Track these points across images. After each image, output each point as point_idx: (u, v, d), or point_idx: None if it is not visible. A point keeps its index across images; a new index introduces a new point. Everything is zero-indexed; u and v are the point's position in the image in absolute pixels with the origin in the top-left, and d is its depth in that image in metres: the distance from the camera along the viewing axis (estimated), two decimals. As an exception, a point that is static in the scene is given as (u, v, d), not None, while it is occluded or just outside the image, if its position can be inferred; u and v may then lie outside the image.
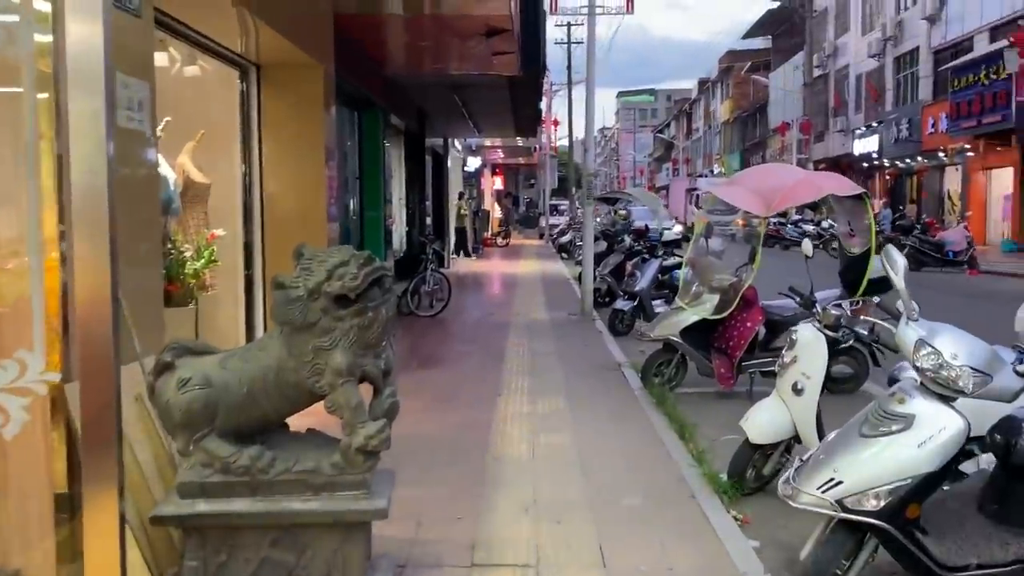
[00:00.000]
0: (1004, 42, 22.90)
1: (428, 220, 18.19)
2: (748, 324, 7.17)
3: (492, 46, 9.89)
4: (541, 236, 37.20)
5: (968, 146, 26.53)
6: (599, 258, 16.69)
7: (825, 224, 30.08)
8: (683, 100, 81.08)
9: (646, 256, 11.32)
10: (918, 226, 21.68)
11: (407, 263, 14.60)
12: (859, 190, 7.07)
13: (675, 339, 7.30)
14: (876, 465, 3.09)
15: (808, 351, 4.66)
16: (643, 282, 10.93)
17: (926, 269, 20.36)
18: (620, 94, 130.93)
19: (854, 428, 3.30)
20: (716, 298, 7.26)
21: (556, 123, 34.01)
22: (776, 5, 42.86)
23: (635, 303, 10.92)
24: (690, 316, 7.28)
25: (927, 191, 30.74)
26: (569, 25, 34.04)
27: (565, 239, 26.48)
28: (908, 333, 3.31)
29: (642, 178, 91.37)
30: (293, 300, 2.93)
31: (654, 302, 11.09)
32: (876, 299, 5.67)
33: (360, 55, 10.45)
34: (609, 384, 7.50)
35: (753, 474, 4.89)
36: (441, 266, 16.25)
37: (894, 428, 3.15)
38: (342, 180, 11.04)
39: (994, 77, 23.16)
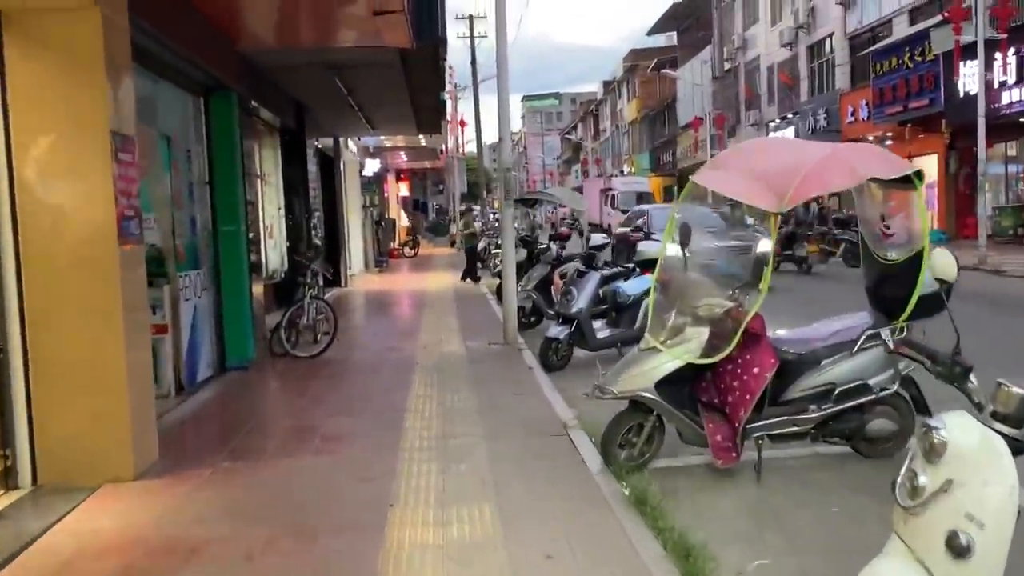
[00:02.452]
0: (927, 23, 21.73)
1: (315, 233, 15.46)
2: (755, 370, 4.88)
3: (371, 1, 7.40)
4: (452, 244, 34.87)
5: (890, 134, 25.40)
6: (520, 269, 14.46)
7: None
8: (589, 102, 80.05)
9: (582, 268, 8.96)
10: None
11: (288, 287, 11.93)
12: (909, 168, 4.85)
13: (648, 396, 4.97)
14: None
15: (978, 467, 2.33)
16: (581, 301, 8.61)
17: (865, 264, 18.86)
18: (525, 98, 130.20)
19: None
20: (705, 333, 4.96)
21: (463, 124, 31.61)
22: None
23: (571, 327, 8.58)
24: (668, 361, 4.96)
25: (845, 183, 29.64)
26: (471, 18, 31.65)
27: (479, 246, 24.15)
28: None
29: (552, 181, 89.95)
30: None
31: (595, 324, 8.79)
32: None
33: (195, 19, 7.79)
34: (557, 465, 5.09)
35: None
36: (329, 286, 13.61)
37: None
38: (176, 182, 8.32)
39: (919, 59, 21.95)
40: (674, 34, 50.10)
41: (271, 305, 12.17)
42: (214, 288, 9.12)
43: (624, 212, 32.78)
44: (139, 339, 5.35)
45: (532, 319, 11.43)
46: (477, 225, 16.58)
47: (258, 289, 10.03)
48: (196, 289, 8.61)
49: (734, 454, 4.93)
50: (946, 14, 18.65)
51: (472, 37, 31.02)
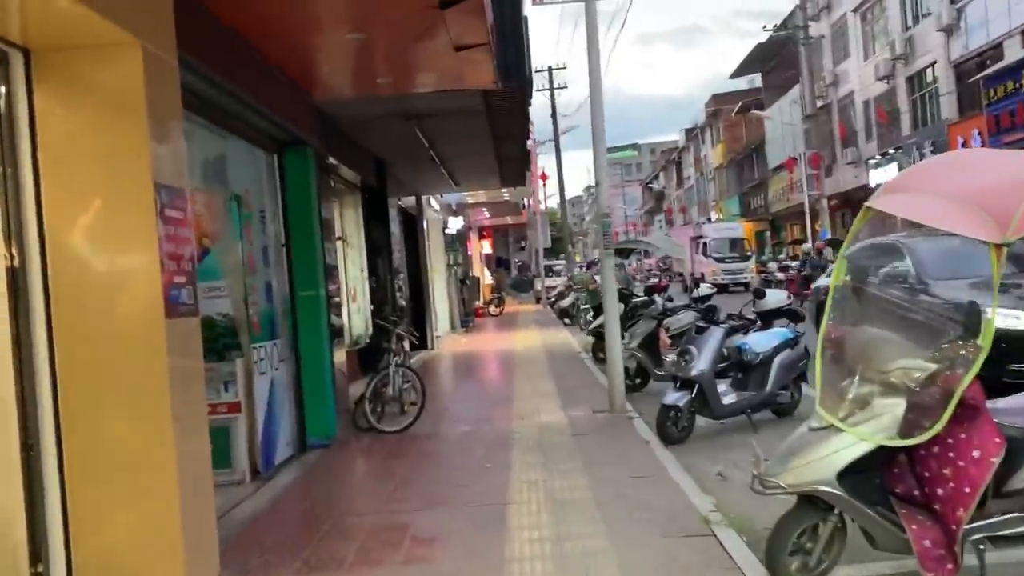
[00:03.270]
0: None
1: (400, 295, 14.74)
2: (975, 454, 3.67)
3: (454, 33, 6.61)
4: (538, 300, 34.03)
5: (1008, 164, 23.41)
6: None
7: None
8: (670, 150, 78.98)
9: (702, 323, 7.82)
10: None
11: (374, 353, 11.14)
12: None
13: (829, 490, 3.80)
14: None
15: None
16: (702, 361, 7.46)
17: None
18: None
19: None
20: (902, 406, 3.79)
21: (544, 177, 30.95)
22: (765, 39, 40.39)
23: (692, 392, 7.43)
24: (852, 444, 3.79)
25: (958, 219, 27.57)
26: (551, 69, 31.16)
27: (566, 302, 23.23)
28: None
29: (635, 232, 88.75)
30: None
31: (719, 387, 7.63)
32: None
33: (264, 66, 7.16)
34: (707, 581, 3.95)
35: None
36: (415, 349, 12.80)
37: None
38: (249, 245, 7.63)
39: (1041, 81, 20.17)
40: (758, 76, 48.76)
41: (356, 373, 11.41)
42: (293, 359, 8.36)
43: (719, 260, 31.43)
44: (194, 427, 4.51)
45: (637, 381, 10.30)
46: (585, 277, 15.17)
47: (341, 357, 9.24)
48: (273, 361, 7.85)
49: (950, 565, 3.70)
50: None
51: (552, 89, 30.51)
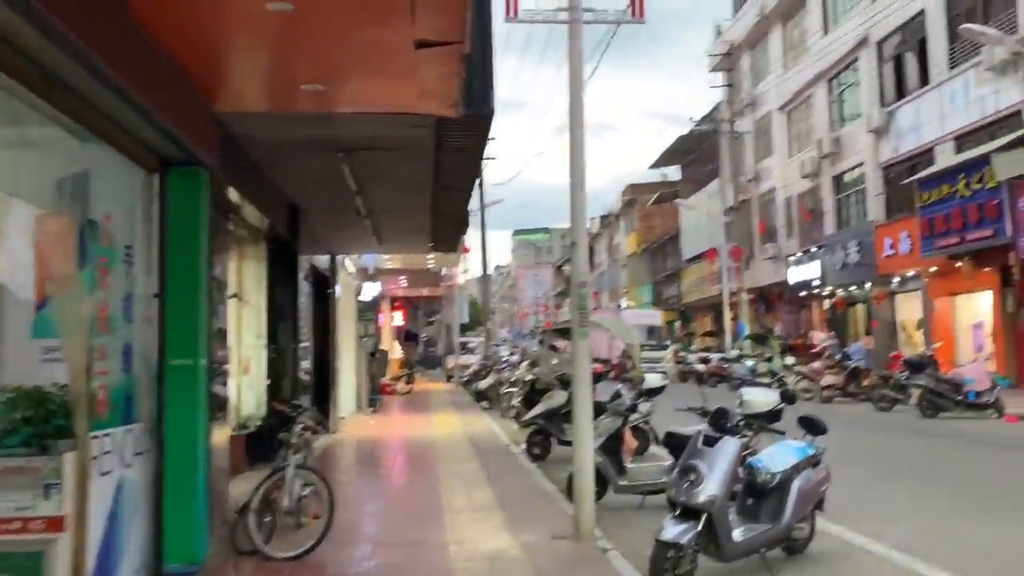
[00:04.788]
0: (982, 148, 19.80)
1: (302, 369, 12.47)
2: None
3: (421, 25, 4.78)
4: (449, 379, 31.94)
5: (934, 269, 23.11)
6: (563, 417, 11.46)
7: (779, 362, 25.99)
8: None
9: (712, 433, 5.92)
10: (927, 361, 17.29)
11: (267, 439, 8.85)
12: None
13: None
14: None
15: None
16: (714, 484, 5.55)
17: (944, 415, 15.98)
18: (516, 232, 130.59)
19: None
20: None
21: (466, 250, 29.29)
22: (687, 131, 40.51)
23: (698, 526, 5.50)
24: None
25: (878, 320, 27.24)
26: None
27: (484, 383, 21.25)
28: None
29: (543, 314, 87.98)
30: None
31: (731, 519, 5.74)
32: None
33: (144, 47, 5.12)
34: None
35: None
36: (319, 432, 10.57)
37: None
38: (104, 291, 5.41)
39: (977, 187, 19.83)
40: (671, 169, 49.10)
41: (241, 464, 9.06)
42: (156, 451, 6.07)
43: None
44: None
45: (596, 489, 8.32)
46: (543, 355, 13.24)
47: (222, 443, 6.96)
48: (124, 455, 5.56)
49: None
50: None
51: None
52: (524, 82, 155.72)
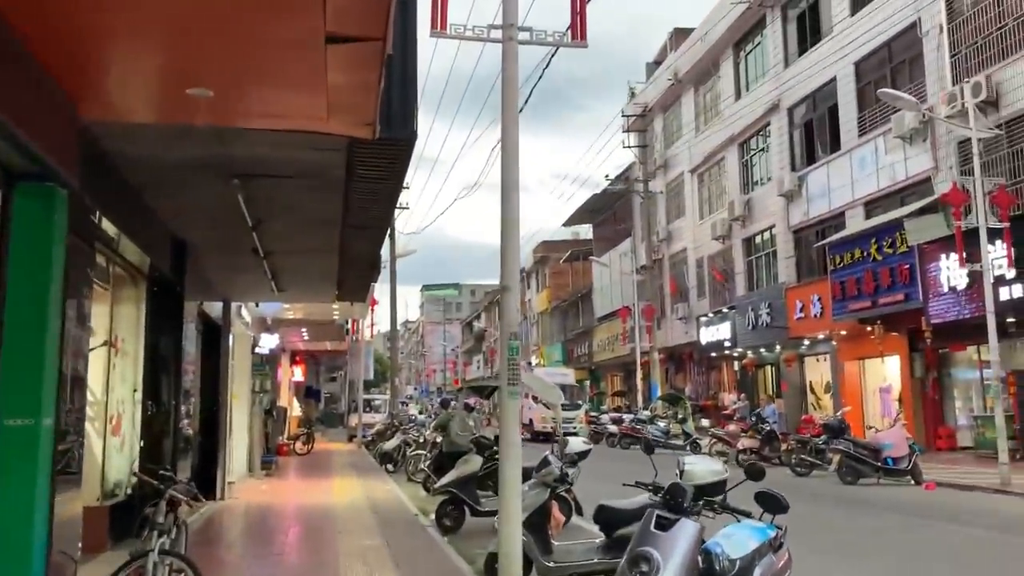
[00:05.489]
0: (892, 214, 20.14)
1: (189, 426, 11.11)
2: None
3: (333, 13, 3.91)
4: (351, 439, 30.30)
5: (844, 332, 23.32)
6: (476, 483, 10.50)
7: (691, 423, 25.68)
8: (494, 292, 78.52)
9: (666, 514, 5.03)
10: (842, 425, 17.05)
11: (136, 513, 7.52)
12: None
13: None
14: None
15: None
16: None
17: (864, 481, 15.68)
18: (424, 287, 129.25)
19: None
20: None
21: (375, 302, 28.08)
22: (601, 190, 40.71)
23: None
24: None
25: (787, 383, 27.35)
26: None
27: (390, 444, 19.96)
28: None
29: (451, 371, 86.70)
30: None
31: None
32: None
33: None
34: None
35: None
36: (198, 499, 9.30)
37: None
38: None
39: (889, 251, 20.09)
40: (583, 228, 49.30)
41: (103, 542, 7.70)
42: (-25, 533, 4.81)
43: (548, 407, 29.27)
44: None
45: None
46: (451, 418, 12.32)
47: (72, 512, 5.70)
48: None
49: None
50: (945, 199, 16.75)
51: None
52: (436, 137, 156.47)
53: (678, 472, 6.46)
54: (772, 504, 5.75)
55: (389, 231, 28.37)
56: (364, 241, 9.14)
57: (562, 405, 32.52)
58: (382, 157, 6.24)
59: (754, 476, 5.50)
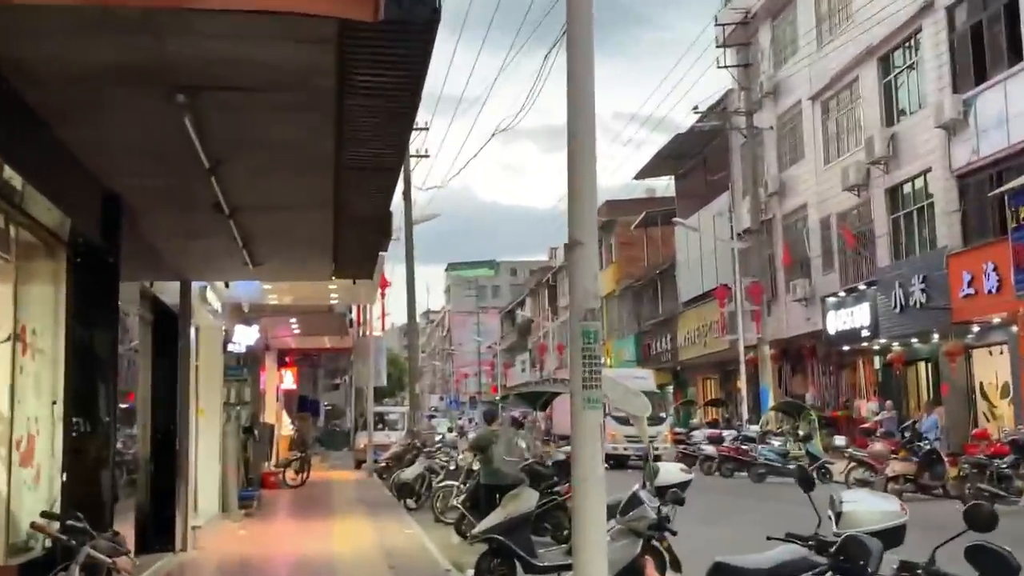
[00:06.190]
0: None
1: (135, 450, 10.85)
2: None
3: None
4: (359, 465, 30.48)
5: (1027, 312, 22.37)
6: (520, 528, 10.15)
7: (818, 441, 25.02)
8: (542, 271, 78.42)
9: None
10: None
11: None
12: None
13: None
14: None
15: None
16: None
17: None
18: (450, 266, 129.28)
19: None
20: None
21: (386, 283, 27.79)
22: (686, 129, 39.93)
23: None
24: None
25: (948, 384, 26.54)
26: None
27: (410, 473, 20.14)
28: None
29: (488, 376, 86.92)
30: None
31: None
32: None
33: None
34: None
35: None
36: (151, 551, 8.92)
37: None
38: None
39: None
40: (672, 178, 48.44)
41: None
42: None
43: (619, 421, 28.80)
44: None
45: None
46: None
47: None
48: None
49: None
50: None
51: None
52: (460, 69, 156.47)
53: (832, 515, 6.04)
54: (994, 567, 5.01)
55: (403, 181, 27.88)
56: (368, 190, 8.52)
57: (631, 419, 32.22)
58: (390, 54, 5.58)
59: (980, 522, 4.72)
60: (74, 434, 8.97)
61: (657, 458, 22.80)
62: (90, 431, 9.46)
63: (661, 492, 9.01)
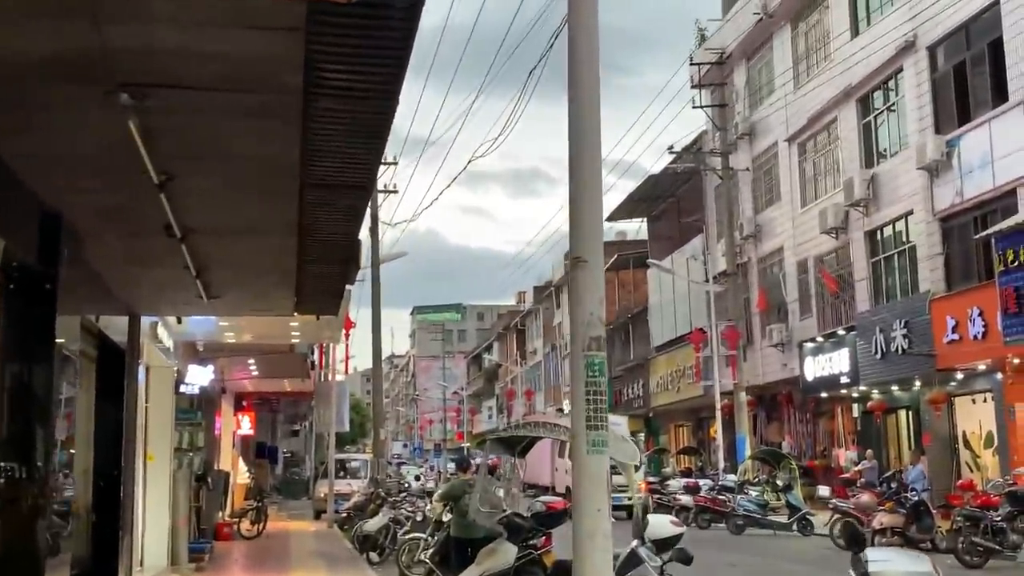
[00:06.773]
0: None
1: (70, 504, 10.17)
2: None
3: None
4: (319, 515, 29.92)
5: (1019, 360, 22.08)
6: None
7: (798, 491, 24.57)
8: (510, 315, 78.18)
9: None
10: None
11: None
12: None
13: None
14: None
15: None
16: None
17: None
18: (416, 310, 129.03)
19: None
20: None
21: (350, 325, 27.14)
22: (660, 170, 39.82)
23: None
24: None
25: (931, 433, 26.26)
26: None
27: (373, 524, 19.73)
28: None
29: (453, 423, 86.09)
30: None
31: None
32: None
33: None
34: None
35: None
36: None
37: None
38: None
39: (1086, 242, 18.88)
40: (644, 220, 48.37)
41: None
42: None
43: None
44: None
45: None
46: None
47: None
48: None
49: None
50: None
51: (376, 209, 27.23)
52: (427, 109, 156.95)
53: (856, 576, 5.44)
54: None
55: (369, 216, 27.25)
56: (336, 211, 7.86)
57: (611, 466, 31.67)
58: (365, 45, 4.96)
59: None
60: (3, 481, 8.30)
61: (624, 507, 22.31)
62: (24, 477, 8.78)
63: (658, 547, 8.54)
